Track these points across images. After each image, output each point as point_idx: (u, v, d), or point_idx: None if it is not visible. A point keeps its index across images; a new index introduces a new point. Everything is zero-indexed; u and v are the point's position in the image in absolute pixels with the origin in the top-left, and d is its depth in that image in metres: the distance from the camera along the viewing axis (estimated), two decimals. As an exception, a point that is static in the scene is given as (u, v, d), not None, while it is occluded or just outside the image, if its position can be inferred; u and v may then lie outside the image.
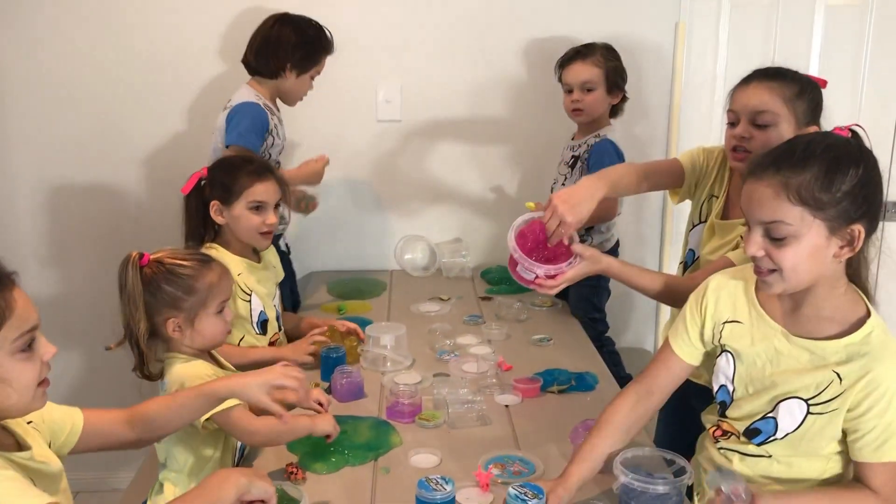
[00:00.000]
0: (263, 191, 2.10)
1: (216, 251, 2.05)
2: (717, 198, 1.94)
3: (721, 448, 1.52)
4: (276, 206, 2.15)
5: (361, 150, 2.98)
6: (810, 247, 1.30)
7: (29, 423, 1.31)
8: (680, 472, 1.44)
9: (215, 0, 2.85)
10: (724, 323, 1.48)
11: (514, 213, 3.02)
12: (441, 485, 1.43)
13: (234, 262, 2.08)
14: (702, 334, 1.52)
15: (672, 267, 2.85)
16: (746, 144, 1.76)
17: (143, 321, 1.62)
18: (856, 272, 1.41)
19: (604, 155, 2.53)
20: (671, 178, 2.03)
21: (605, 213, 2.55)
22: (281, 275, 2.33)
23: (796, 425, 1.40)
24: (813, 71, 2.99)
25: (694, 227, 2.02)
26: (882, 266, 1.47)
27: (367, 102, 2.96)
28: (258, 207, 2.09)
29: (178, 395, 1.49)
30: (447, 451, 1.70)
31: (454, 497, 1.43)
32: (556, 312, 2.64)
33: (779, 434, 1.42)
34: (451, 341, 2.30)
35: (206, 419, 1.56)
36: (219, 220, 2.10)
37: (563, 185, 2.66)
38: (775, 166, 1.31)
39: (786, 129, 1.72)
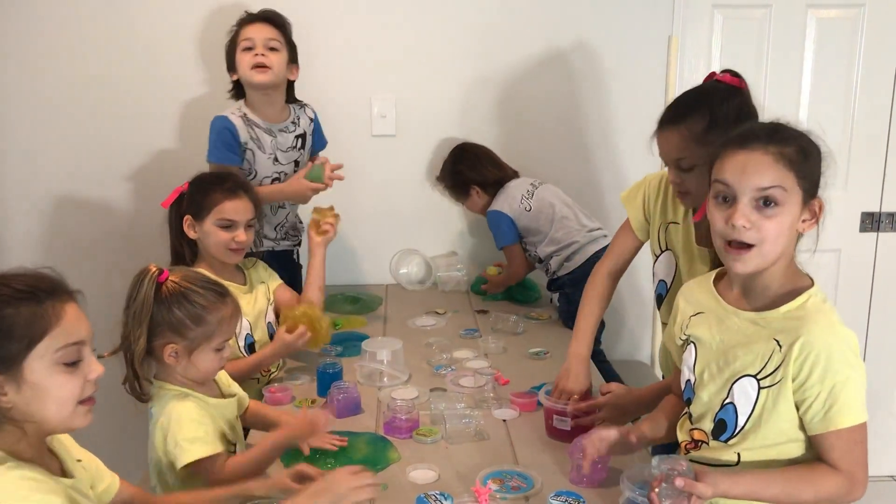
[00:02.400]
0: (232, 209, 2.10)
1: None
2: (678, 224, 1.93)
3: (692, 460, 1.51)
4: (250, 224, 2.16)
5: (356, 165, 2.97)
6: (791, 216, 1.37)
7: (79, 460, 1.32)
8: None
9: (210, 17, 2.86)
10: (691, 317, 1.55)
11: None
12: (440, 501, 1.42)
13: None
14: (677, 331, 1.59)
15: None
16: (682, 188, 1.80)
17: (142, 338, 1.57)
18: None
19: (491, 226, 2.87)
20: (631, 249, 2.07)
21: (514, 274, 2.88)
22: (275, 282, 2.34)
23: (752, 405, 1.41)
24: (805, 83, 3.02)
25: (657, 257, 2.02)
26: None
27: (361, 118, 2.97)
28: (227, 225, 2.10)
29: (210, 494, 1.50)
30: (445, 467, 1.69)
31: (453, 513, 1.43)
32: (552, 325, 2.64)
33: (740, 420, 1.43)
34: (447, 355, 2.30)
35: (183, 467, 1.55)
36: (190, 234, 2.12)
37: None
38: (766, 139, 1.38)
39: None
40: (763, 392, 1.40)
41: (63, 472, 1.27)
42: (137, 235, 2.95)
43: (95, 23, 2.84)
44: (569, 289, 2.68)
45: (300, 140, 2.64)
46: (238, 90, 2.59)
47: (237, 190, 2.14)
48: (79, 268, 3.01)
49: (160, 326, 1.59)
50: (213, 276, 1.75)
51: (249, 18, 2.54)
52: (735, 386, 1.43)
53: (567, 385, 1.91)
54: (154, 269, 1.60)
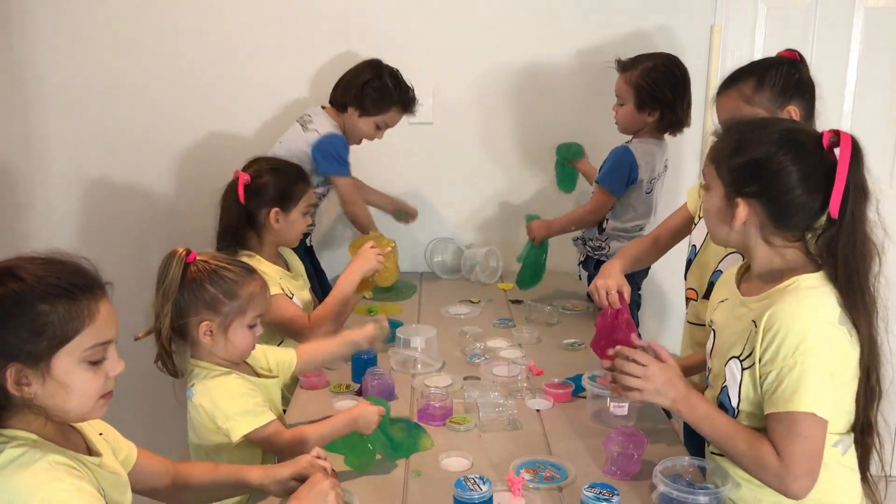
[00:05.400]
0: (312, 195, 2.27)
1: (256, 261, 2.06)
2: None
3: (712, 452, 1.55)
4: None
5: (393, 153, 2.99)
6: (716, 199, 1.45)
7: (100, 434, 1.33)
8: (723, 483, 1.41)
9: (250, 3, 2.88)
10: (719, 302, 1.58)
11: (547, 216, 3.04)
12: (478, 484, 1.42)
13: (274, 270, 2.14)
14: (707, 316, 1.64)
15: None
16: None
17: (168, 317, 1.60)
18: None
19: (612, 157, 2.56)
20: (678, 218, 2.15)
21: (585, 213, 2.66)
22: (307, 284, 2.37)
23: (738, 386, 1.43)
24: (851, 75, 2.95)
25: (696, 225, 2.05)
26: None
27: (399, 105, 2.97)
28: (308, 211, 2.25)
29: (220, 468, 1.51)
30: (478, 455, 1.70)
31: (491, 497, 1.43)
32: (587, 316, 2.62)
33: (732, 401, 1.45)
34: (481, 344, 2.29)
35: (243, 437, 1.58)
36: (276, 226, 2.15)
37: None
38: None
39: None
40: (745, 374, 1.41)
41: (88, 449, 1.28)
42: (176, 215, 3.00)
43: (140, 14, 2.88)
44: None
45: None
46: (345, 105, 2.63)
47: (308, 178, 2.29)
48: (117, 249, 3.08)
49: (194, 305, 1.62)
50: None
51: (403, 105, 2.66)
52: (726, 369, 1.46)
53: (598, 281, 1.93)
54: (182, 251, 1.63)
